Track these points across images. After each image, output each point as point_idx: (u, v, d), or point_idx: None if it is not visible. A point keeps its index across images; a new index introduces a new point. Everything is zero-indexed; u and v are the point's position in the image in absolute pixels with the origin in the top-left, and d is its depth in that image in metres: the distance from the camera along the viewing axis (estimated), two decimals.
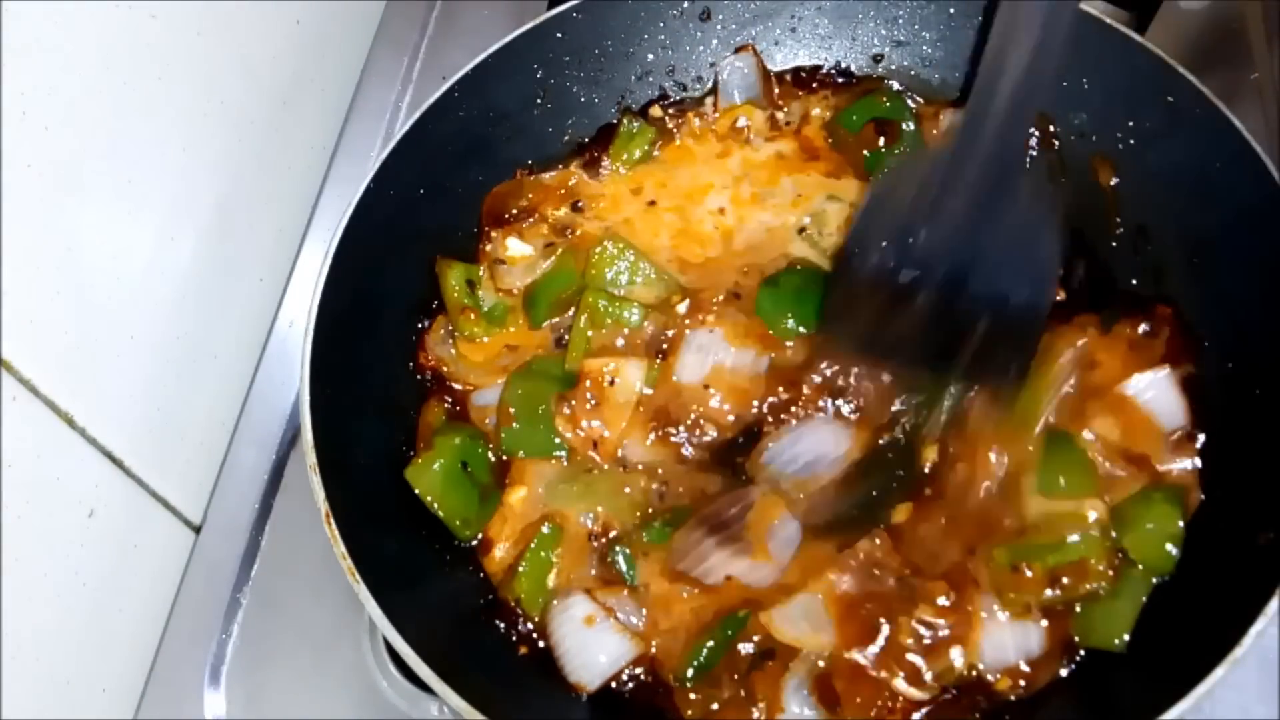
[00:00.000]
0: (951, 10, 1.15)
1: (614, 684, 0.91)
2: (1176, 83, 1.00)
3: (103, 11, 0.92)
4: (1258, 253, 0.95)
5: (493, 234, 1.12)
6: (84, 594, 0.95)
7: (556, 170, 1.16)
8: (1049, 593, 0.89)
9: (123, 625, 1.02)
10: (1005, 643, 0.89)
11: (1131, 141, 1.06)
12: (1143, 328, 0.99)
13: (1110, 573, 0.89)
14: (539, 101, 1.16)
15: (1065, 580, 0.89)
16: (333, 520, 0.87)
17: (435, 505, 0.96)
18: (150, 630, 1.05)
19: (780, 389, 1.00)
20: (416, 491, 0.96)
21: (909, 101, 1.16)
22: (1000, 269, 0.90)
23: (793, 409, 1.00)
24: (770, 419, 1.00)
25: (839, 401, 0.99)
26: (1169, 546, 0.89)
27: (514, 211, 1.13)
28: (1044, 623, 0.89)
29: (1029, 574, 0.89)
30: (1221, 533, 0.88)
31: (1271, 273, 0.93)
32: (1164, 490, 0.92)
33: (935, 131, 1.14)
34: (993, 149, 0.86)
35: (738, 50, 1.20)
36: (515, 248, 1.11)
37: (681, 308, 1.05)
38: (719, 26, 1.20)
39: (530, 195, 1.14)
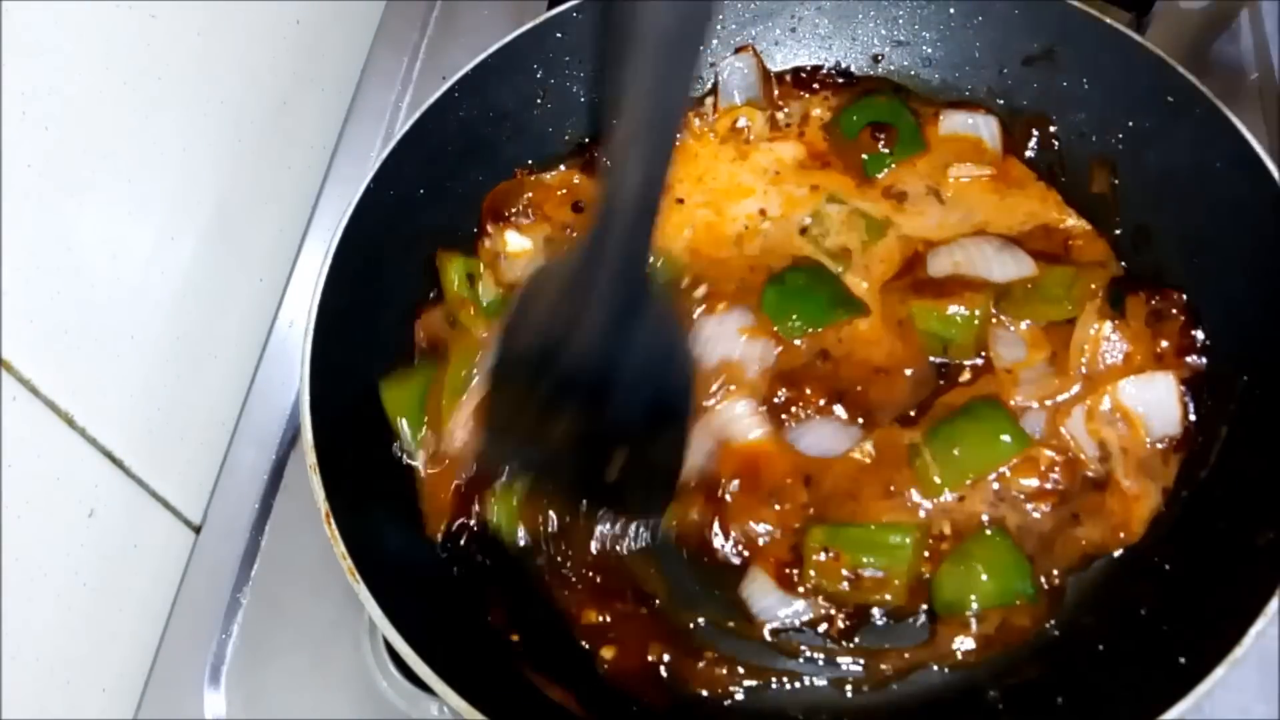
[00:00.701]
0: (951, 10, 1.15)
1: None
2: (1176, 83, 1.01)
3: (103, 11, 0.92)
4: (1258, 253, 0.95)
5: (491, 229, 1.12)
6: (84, 594, 0.95)
7: (558, 171, 1.16)
8: (843, 587, 0.91)
9: (123, 625, 1.02)
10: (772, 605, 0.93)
11: (1131, 141, 1.07)
12: (1154, 300, 0.99)
13: (903, 596, 0.91)
14: (539, 101, 1.16)
15: (863, 584, 0.91)
16: (333, 520, 0.87)
17: (402, 425, 0.99)
18: (150, 630, 1.05)
19: (782, 389, 1.00)
20: (384, 406, 0.98)
21: (908, 103, 1.16)
22: (636, 393, 0.85)
23: (793, 409, 1.00)
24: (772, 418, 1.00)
25: (839, 403, 1.00)
26: (970, 599, 0.91)
27: (515, 210, 1.13)
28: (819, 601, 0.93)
29: (837, 561, 0.91)
30: (1221, 533, 0.88)
31: (1271, 273, 0.93)
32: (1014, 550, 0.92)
33: (935, 132, 1.14)
34: (617, 265, 0.78)
35: (737, 50, 1.20)
36: (515, 242, 1.11)
37: (698, 292, 1.05)
38: (719, 26, 1.20)
39: (531, 194, 1.14)
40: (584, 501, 0.96)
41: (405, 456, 1.01)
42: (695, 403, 0.96)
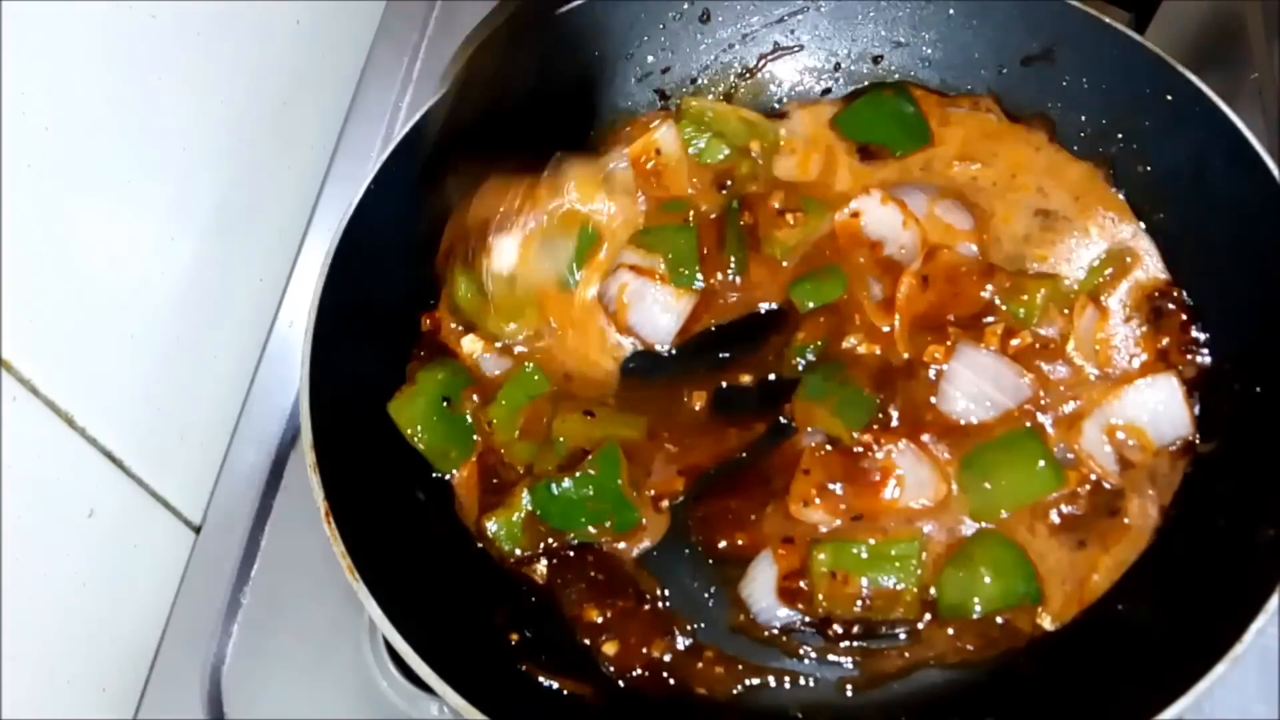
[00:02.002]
0: (951, 11, 1.14)
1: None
2: (1176, 82, 1.01)
3: (103, 11, 0.92)
4: (1258, 253, 0.95)
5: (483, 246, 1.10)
6: (84, 594, 0.95)
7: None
8: (856, 609, 0.90)
9: (123, 625, 1.01)
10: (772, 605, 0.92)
11: (1131, 141, 1.07)
12: (1154, 297, 1.00)
13: (916, 610, 0.90)
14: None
15: (875, 605, 0.90)
16: (333, 520, 0.87)
17: (417, 439, 0.99)
18: (150, 630, 1.05)
19: None
20: (399, 425, 0.98)
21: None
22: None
23: None
24: None
25: None
26: (974, 601, 0.89)
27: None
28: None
29: (846, 586, 0.90)
30: (1222, 530, 0.88)
31: (1271, 272, 0.93)
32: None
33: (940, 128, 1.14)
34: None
35: None
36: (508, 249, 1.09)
37: None
38: (719, 28, 1.20)
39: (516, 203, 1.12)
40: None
41: (438, 471, 1.01)
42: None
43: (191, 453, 1.11)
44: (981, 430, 0.97)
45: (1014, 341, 1.00)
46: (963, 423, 0.97)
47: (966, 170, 1.11)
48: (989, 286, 1.02)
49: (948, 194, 1.09)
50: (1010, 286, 1.02)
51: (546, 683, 0.90)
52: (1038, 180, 1.10)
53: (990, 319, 1.01)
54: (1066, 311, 1.00)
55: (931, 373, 0.99)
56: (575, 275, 1.10)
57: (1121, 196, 1.07)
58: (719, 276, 1.09)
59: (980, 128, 1.13)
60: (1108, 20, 1.05)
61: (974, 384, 0.98)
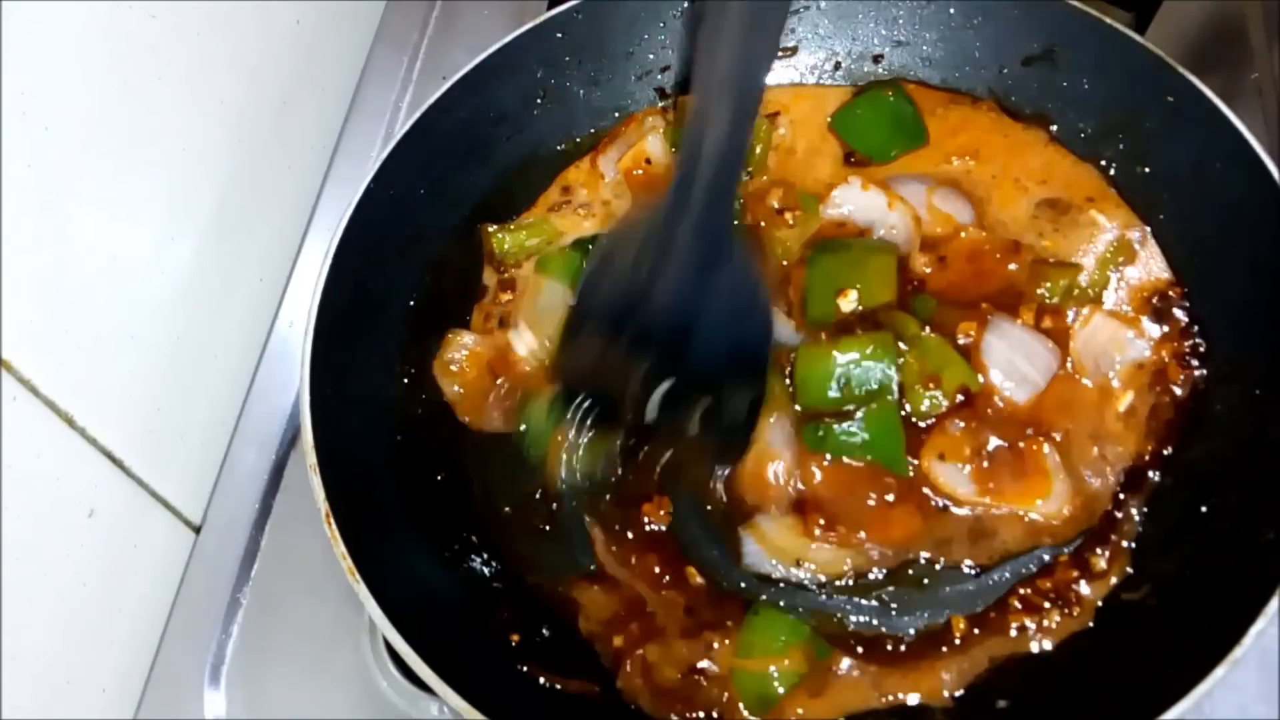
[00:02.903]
0: (951, 10, 1.15)
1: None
2: (1176, 83, 1.01)
3: (103, 11, 0.92)
4: (1258, 253, 0.95)
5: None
6: (84, 594, 0.95)
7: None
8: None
9: (123, 625, 1.02)
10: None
11: (1131, 142, 1.07)
12: (1155, 300, 1.00)
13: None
14: (539, 101, 1.16)
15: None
16: (333, 520, 0.87)
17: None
18: (150, 630, 1.05)
19: None
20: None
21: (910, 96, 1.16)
22: (716, 340, 0.86)
23: None
24: None
25: None
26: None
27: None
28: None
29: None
30: (1222, 532, 0.88)
31: (1271, 273, 0.93)
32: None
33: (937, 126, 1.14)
34: (699, 217, 0.81)
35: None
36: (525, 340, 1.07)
37: None
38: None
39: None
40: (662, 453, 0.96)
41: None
42: (771, 355, 0.95)
43: (191, 453, 1.11)
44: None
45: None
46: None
47: (964, 164, 1.12)
48: (1014, 264, 1.03)
49: (944, 184, 1.10)
50: (1032, 274, 1.02)
51: (546, 683, 0.90)
52: (1036, 180, 1.10)
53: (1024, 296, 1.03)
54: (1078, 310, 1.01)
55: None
56: None
57: (1121, 197, 1.07)
58: None
59: (978, 126, 1.14)
60: (1108, 21, 1.05)
61: (1007, 356, 0.98)
